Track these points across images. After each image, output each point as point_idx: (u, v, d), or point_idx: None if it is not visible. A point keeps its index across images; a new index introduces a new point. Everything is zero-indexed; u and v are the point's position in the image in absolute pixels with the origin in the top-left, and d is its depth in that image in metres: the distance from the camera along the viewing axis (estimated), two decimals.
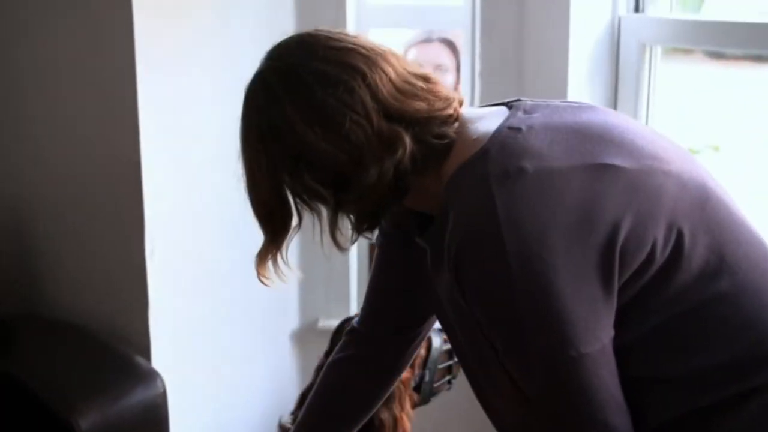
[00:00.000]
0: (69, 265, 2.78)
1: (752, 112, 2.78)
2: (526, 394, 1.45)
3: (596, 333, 1.37)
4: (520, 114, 1.48)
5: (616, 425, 1.41)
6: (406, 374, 2.15)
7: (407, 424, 2.17)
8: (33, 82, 2.75)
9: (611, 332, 1.38)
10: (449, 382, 2.30)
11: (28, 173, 2.79)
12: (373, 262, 1.84)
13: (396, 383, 2.10)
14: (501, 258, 1.35)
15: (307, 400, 2.01)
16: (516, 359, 1.43)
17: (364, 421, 2.01)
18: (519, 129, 1.44)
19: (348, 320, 2.25)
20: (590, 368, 1.38)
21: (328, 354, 2.20)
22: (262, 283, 1.76)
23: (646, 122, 2.84)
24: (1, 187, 2.86)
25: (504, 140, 1.42)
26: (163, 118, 2.60)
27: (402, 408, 2.16)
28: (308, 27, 2.91)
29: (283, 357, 3.15)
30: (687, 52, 2.88)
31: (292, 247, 3.10)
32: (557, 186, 1.37)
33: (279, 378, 3.13)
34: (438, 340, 2.27)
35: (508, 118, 1.47)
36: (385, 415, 2.12)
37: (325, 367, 2.03)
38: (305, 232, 3.15)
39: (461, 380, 1.99)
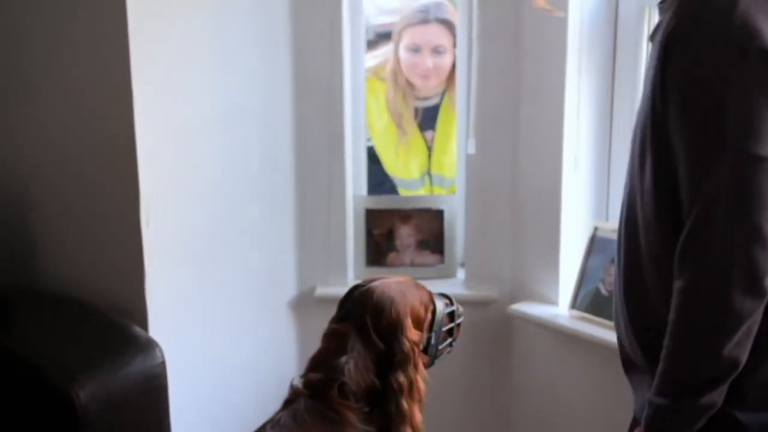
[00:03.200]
0: (65, 238, 2.80)
1: None
2: (689, 206, 1.55)
3: None
4: None
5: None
6: (416, 337, 2.21)
7: (422, 385, 2.19)
8: (31, 62, 2.76)
9: None
10: (450, 344, 2.34)
11: (26, 149, 2.82)
12: None
13: (407, 346, 2.17)
14: (729, 47, 1.51)
15: None
16: (700, 151, 1.54)
17: None
18: None
19: (357, 287, 2.28)
20: (763, 177, 1.50)
21: (335, 320, 2.25)
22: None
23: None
24: None
25: None
26: (157, 91, 2.60)
27: (417, 370, 2.19)
28: None
29: (280, 325, 3.17)
30: None
31: (289, 217, 3.09)
32: None
33: (277, 346, 3.15)
34: (441, 304, 2.31)
35: None
36: (402, 379, 2.15)
37: None
38: (301, 204, 3.15)
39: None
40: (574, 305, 2.89)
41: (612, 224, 2.89)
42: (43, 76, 2.73)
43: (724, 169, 1.51)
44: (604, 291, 2.83)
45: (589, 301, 2.86)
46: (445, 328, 2.31)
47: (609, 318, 2.71)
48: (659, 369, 1.62)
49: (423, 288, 2.33)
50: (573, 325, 2.88)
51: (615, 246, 2.79)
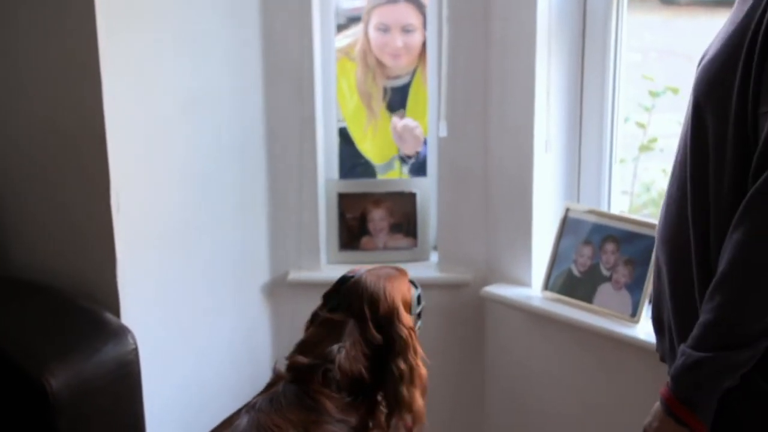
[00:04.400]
0: (36, 225, 2.80)
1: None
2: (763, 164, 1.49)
3: None
4: None
5: None
6: (410, 322, 2.23)
7: (423, 371, 2.22)
8: None
9: None
10: (419, 327, 2.35)
11: None
12: None
13: (406, 333, 2.20)
14: None
15: None
16: None
17: None
18: None
19: (345, 279, 2.30)
20: None
21: (326, 310, 2.26)
22: None
23: (613, 66, 2.89)
24: None
25: None
26: (126, 76, 2.60)
27: (417, 355, 2.21)
28: None
29: (253, 310, 3.19)
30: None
31: (261, 201, 3.11)
32: None
33: (250, 330, 3.16)
34: (413, 290, 2.35)
35: None
36: (402, 365, 2.16)
37: None
38: (274, 189, 3.15)
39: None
40: (546, 286, 2.91)
41: (583, 205, 2.94)
42: (11, 64, 2.71)
43: None
44: (576, 272, 2.84)
45: (562, 282, 2.88)
46: (416, 311, 2.34)
47: (582, 299, 2.81)
48: (701, 321, 1.61)
49: (404, 272, 2.35)
50: (546, 307, 2.89)
51: (587, 227, 2.82)
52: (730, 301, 1.55)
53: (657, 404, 1.67)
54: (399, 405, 2.16)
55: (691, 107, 1.65)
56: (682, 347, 1.62)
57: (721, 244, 1.58)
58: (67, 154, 2.67)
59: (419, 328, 2.36)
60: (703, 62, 1.64)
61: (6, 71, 2.72)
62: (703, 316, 1.58)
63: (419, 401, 2.18)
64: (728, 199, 1.56)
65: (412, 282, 2.38)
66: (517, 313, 2.97)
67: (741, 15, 1.56)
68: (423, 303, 2.40)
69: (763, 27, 1.51)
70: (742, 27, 1.54)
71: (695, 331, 1.60)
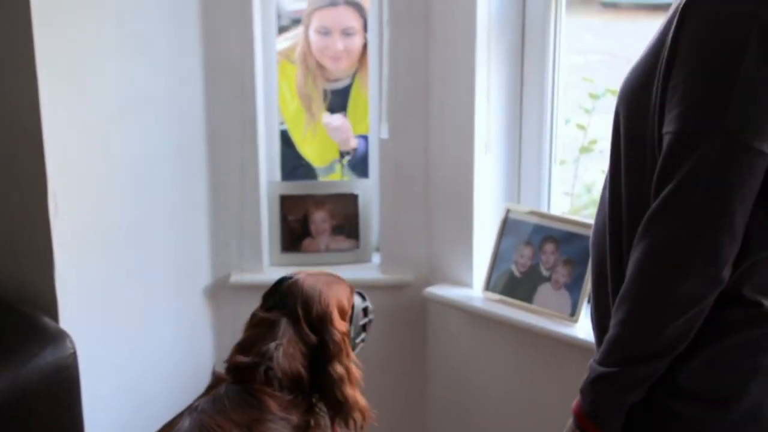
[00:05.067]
0: None
1: None
2: (664, 178, 1.48)
3: (764, 141, 1.43)
4: None
5: (722, 241, 1.46)
6: (344, 327, 2.25)
7: (358, 373, 2.24)
8: None
9: None
10: (364, 340, 2.39)
11: None
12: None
13: (339, 337, 2.22)
14: (749, 22, 1.42)
15: None
16: (695, 122, 1.46)
17: None
18: None
19: (283, 279, 2.31)
20: (748, 169, 1.44)
21: (263, 310, 2.27)
22: None
23: (553, 68, 2.91)
24: None
25: None
26: (63, 79, 2.58)
27: (349, 358, 2.24)
28: None
29: (195, 312, 3.18)
30: (585, 2, 2.94)
31: (202, 204, 3.11)
32: None
33: (192, 333, 3.15)
34: (357, 299, 2.37)
35: None
36: (339, 369, 2.19)
37: None
38: (215, 191, 3.14)
39: None
40: (488, 287, 2.92)
41: (523, 206, 2.96)
42: None
43: (710, 148, 1.45)
44: (516, 272, 2.86)
45: (503, 283, 2.89)
46: (361, 323, 2.37)
47: (522, 299, 2.84)
48: (606, 337, 1.61)
49: (345, 282, 2.37)
50: (487, 307, 2.89)
51: (527, 228, 2.84)
52: (629, 318, 1.56)
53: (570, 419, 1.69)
54: (346, 407, 2.19)
55: (613, 116, 1.67)
56: (590, 361, 1.64)
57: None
58: (2, 157, 2.63)
59: (363, 341, 2.40)
60: (626, 75, 1.65)
61: None
62: (609, 331, 1.60)
63: (362, 400, 2.21)
64: (639, 214, 1.58)
65: (361, 294, 2.41)
66: (459, 313, 2.98)
67: (661, 28, 1.57)
68: (371, 317, 2.43)
69: (667, 50, 1.52)
70: (658, 44, 1.56)
71: (602, 346, 1.62)
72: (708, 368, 1.57)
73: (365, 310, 2.40)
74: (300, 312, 2.21)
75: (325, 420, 2.22)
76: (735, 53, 1.43)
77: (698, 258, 1.48)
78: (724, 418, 1.58)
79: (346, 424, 2.22)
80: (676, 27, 1.49)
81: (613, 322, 1.58)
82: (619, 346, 1.57)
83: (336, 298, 2.28)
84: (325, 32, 3.32)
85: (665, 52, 1.51)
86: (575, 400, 1.64)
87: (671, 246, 1.50)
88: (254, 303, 2.40)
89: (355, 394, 2.21)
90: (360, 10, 3.32)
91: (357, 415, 2.21)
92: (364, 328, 2.40)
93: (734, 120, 1.43)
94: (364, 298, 2.42)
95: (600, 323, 1.69)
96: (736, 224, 1.47)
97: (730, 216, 1.46)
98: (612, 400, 1.60)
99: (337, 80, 3.41)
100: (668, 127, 1.48)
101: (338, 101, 3.42)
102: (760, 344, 1.57)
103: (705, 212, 1.47)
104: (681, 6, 1.48)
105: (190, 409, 2.13)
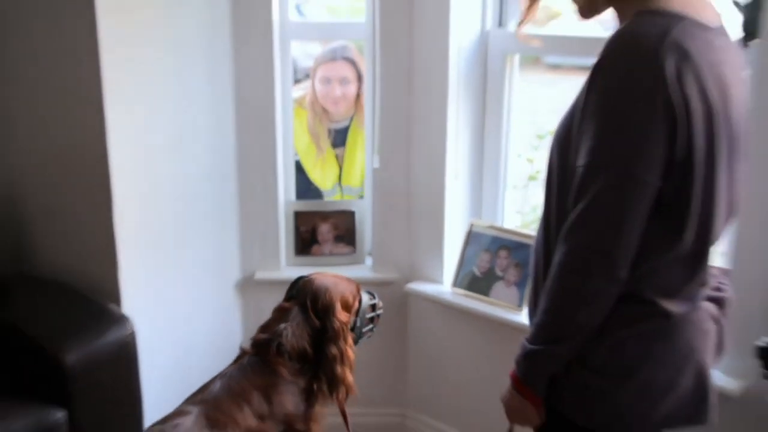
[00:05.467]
0: (55, 235, 2.77)
1: None
2: (578, 197, 1.48)
3: (657, 172, 1.43)
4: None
5: (619, 245, 1.46)
6: (344, 317, 2.23)
7: (352, 354, 2.23)
8: (17, 90, 2.70)
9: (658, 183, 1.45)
10: (372, 329, 2.37)
11: (18, 163, 2.77)
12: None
13: (338, 325, 2.20)
14: (639, 86, 1.42)
15: None
16: (596, 158, 1.45)
17: None
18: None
19: (301, 278, 2.30)
20: (637, 195, 1.43)
21: (284, 300, 2.28)
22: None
23: (507, 114, 2.89)
24: None
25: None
26: (126, 117, 2.58)
27: (346, 342, 2.21)
28: (243, 37, 2.90)
29: (227, 301, 3.12)
30: (534, 62, 2.91)
31: (233, 217, 3.05)
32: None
33: (224, 319, 3.12)
34: (366, 297, 2.36)
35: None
36: (334, 350, 2.17)
37: None
38: (243, 207, 3.05)
39: None
40: (455, 284, 2.90)
41: (484, 222, 2.93)
42: (33, 105, 2.69)
43: (609, 178, 1.45)
44: (477, 273, 2.85)
45: (467, 281, 2.88)
46: (368, 316, 2.35)
47: (482, 293, 2.84)
48: (534, 321, 1.60)
49: (353, 282, 2.35)
50: (455, 300, 2.88)
51: (487, 239, 2.83)
52: (549, 307, 1.56)
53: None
54: (335, 380, 2.17)
55: (549, 154, 1.66)
56: (522, 340, 1.63)
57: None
58: (78, 179, 2.64)
59: (371, 330, 2.38)
60: (558, 122, 1.63)
61: (30, 111, 2.69)
62: (536, 317, 1.60)
63: (350, 377, 2.20)
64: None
65: (371, 293, 2.39)
66: (433, 304, 2.96)
67: (581, 86, 1.54)
68: (379, 312, 2.39)
69: (582, 102, 1.50)
70: (577, 98, 1.54)
71: (531, 329, 1.62)
72: (614, 351, 1.57)
73: (373, 306, 2.38)
74: (309, 303, 2.21)
75: (327, 389, 2.20)
76: (629, 106, 1.43)
77: (600, 261, 1.48)
78: (623, 389, 1.58)
79: (333, 395, 2.19)
80: (588, 84, 1.48)
81: (538, 310, 1.59)
82: (542, 329, 1.58)
83: (341, 294, 2.26)
84: (327, 81, 3.30)
85: (580, 105, 1.50)
86: (512, 369, 1.65)
87: (580, 252, 1.49)
88: (273, 295, 2.41)
89: (344, 371, 2.19)
90: (354, 64, 3.29)
91: (342, 390, 2.19)
92: (371, 320, 2.37)
93: (627, 157, 1.43)
94: (373, 296, 2.40)
95: (534, 311, 1.66)
96: (631, 236, 1.47)
97: (626, 230, 1.46)
98: (538, 370, 1.61)
99: (338, 121, 3.38)
100: (580, 161, 1.48)
101: (340, 138, 3.39)
102: (654, 336, 1.57)
103: (605, 227, 1.47)
104: (593, 68, 1.47)
105: (220, 375, 2.14)
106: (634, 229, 1.47)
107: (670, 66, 1.41)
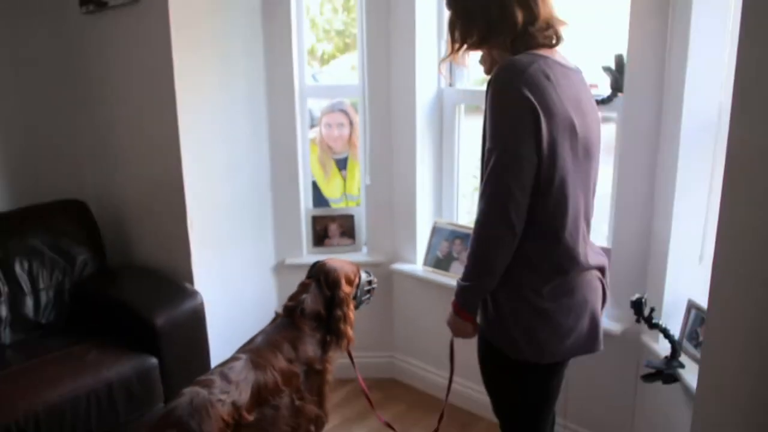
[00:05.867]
0: (149, 236, 2.88)
1: None
2: (484, 172, 1.49)
3: (531, 150, 1.45)
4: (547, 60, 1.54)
5: (514, 203, 1.47)
6: (348, 289, 2.20)
7: (352, 317, 2.20)
8: (119, 138, 2.79)
9: (534, 160, 1.46)
10: (369, 298, 2.34)
11: (122, 191, 2.90)
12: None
13: (343, 295, 2.17)
14: (514, 89, 1.45)
15: None
16: (491, 142, 1.48)
17: None
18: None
19: (318, 262, 2.27)
20: (521, 168, 1.45)
21: (306, 278, 2.26)
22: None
23: (458, 153, 2.91)
24: (106, 192, 2.97)
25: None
26: (194, 150, 2.63)
27: (349, 308, 2.19)
28: (275, 96, 2.95)
29: (266, 280, 3.13)
30: (476, 109, 2.83)
31: (269, 220, 3.11)
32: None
33: (265, 292, 3.12)
34: (365, 275, 2.33)
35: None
36: (339, 313, 2.15)
37: None
38: (276, 214, 3.13)
39: None
40: (425, 263, 2.95)
41: (444, 220, 2.96)
42: (131, 152, 2.76)
43: (498, 154, 1.45)
44: (440, 256, 2.89)
45: (434, 262, 2.92)
46: (366, 288, 2.32)
47: (444, 270, 2.86)
48: (465, 263, 1.58)
49: (354, 265, 2.31)
50: (425, 275, 2.92)
51: (446, 231, 2.87)
52: (472, 252, 1.56)
53: (450, 309, 1.66)
54: (339, 334, 2.15)
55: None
56: (457, 279, 1.62)
57: None
58: (163, 198, 2.71)
59: (369, 299, 2.31)
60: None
61: (129, 151, 2.77)
62: (466, 261, 1.59)
63: (350, 332, 2.18)
64: None
65: (368, 272, 2.34)
66: (410, 279, 3.00)
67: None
68: (374, 286, 2.33)
69: (485, 105, 1.53)
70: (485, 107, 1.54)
71: (463, 270, 1.61)
72: (534, 305, 1.57)
73: (370, 282, 2.33)
74: (322, 279, 2.20)
75: (335, 340, 2.17)
76: (508, 104, 1.47)
77: (499, 218, 1.49)
78: (541, 331, 1.59)
79: (340, 344, 2.15)
80: (485, 94, 1.52)
81: (467, 253, 1.59)
82: (468, 269, 1.57)
83: (344, 272, 2.23)
84: (329, 126, 3.34)
85: (484, 109, 1.54)
86: (452, 300, 1.64)
87: (486, 212, 1.50)
88: (298, 274, 2.41)
89: (346, 329, 2.16)
90: (347, 113, 3.31)
91: (345, 341, 2.16)
92: (368, 292, 2.32)
93: (509, 140, 1.47)
94: (369, 274, 2.35)
95: None
96: (520, 199, 1.48)
97: (515, 195, 1.47)
98: (471, 298, 1.61)
99: (338, 153, 3.40)
100: (486, 146, 1.51)
101: (341, 164, 3.42)
102: (561, 292, 1.58)
103: (499, 193, 1.48)
104: (487, 84, 1.51)
105: (261, 332, 2.14)
106: (521, 189, 1.47)
107: (535, 81, 1.46)
